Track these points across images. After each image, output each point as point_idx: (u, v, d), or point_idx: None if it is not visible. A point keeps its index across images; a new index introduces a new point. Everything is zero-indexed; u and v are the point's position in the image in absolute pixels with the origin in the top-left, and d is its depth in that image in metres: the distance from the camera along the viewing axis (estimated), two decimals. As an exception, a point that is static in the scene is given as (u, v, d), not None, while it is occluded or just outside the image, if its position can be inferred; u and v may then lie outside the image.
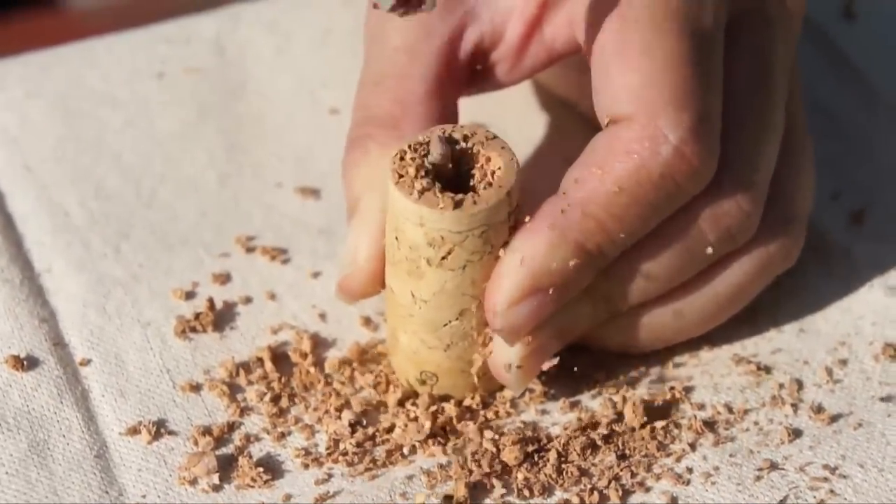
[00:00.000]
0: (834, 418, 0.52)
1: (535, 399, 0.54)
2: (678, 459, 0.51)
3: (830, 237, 0.58)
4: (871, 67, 0.64)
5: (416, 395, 0.53)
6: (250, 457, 0.52)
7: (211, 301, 0.56)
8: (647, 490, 0.51)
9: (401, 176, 0.49)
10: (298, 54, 0.65)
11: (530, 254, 0.49)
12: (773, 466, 0.51)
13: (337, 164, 0.61)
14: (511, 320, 0.50)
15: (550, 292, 0.50)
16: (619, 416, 0.52)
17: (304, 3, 0.68)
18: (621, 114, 0.50)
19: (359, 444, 0.52)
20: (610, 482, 0.51)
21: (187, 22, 0.66)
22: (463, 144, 0.50)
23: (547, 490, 0.51)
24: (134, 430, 0.52)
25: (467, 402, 0.53)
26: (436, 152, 0.49)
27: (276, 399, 0.53)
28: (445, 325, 0.51)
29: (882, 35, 0.65)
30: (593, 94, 0.51)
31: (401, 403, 0.53)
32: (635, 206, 0.50)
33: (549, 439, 0.52)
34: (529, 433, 0.52)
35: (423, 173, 0.49)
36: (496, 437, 0.52)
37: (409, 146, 0.50)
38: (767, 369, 0.54)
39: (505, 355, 0.51)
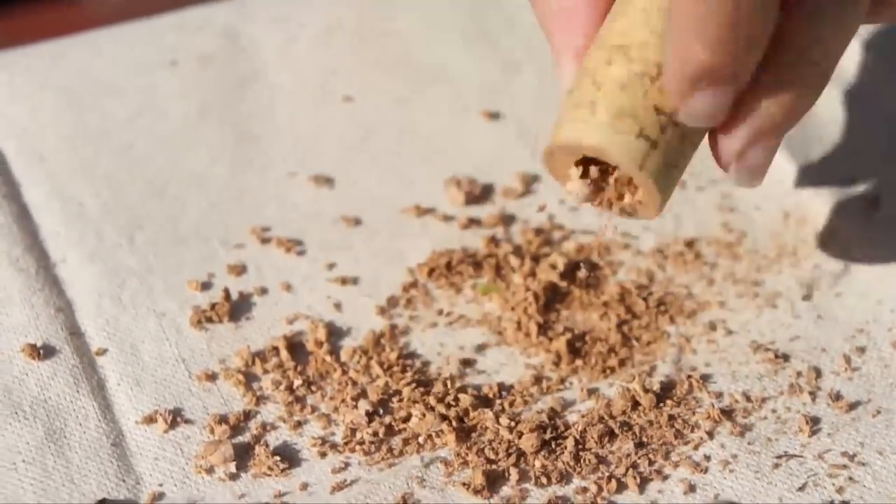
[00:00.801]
0: (852, 406, 0.52)
1: (553, 387, 0.53)
2: (696, 447, 0.51)
3: (846, 223, 0.58)
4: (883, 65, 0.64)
5: (431, 383, 0.53)
6: (267, 445, 0.51)
7: (227, 291, 0.55)
8: (665, 478, 0.50)
9: None
10: (310, 43, 0.65)
11: None
12: (792, 454, 0.51)
13: (350, 152, 0.61)
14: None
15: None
16: (637, 404, 0.52)
17: (315, -7, 0.68)
18: None
19: (375, 434, 0.52)
20: (627, 470, 0.50)
21: (199, 11, 0.66)
22: None
23: (564, 478, 0.50)
24: (150, 419, 0.52)
25: (485, 390, 0.53)
26: None
27: (291, 388, 0.53)
28: None
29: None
30: None
31: (417, 392, 0.53)
32: None
33: (567, 427, 0.52)
34: (546, 421, 0.52)
35: None
36: (513, 424, 0.52)
37: None
38: (785, 357, 0.54)
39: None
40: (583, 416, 0.52)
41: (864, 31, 0.65)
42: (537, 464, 0.51)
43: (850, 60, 0.64)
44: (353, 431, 0.52)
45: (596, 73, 0.47)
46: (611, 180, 0.48)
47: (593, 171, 0.48)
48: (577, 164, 0.48)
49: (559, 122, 0.47)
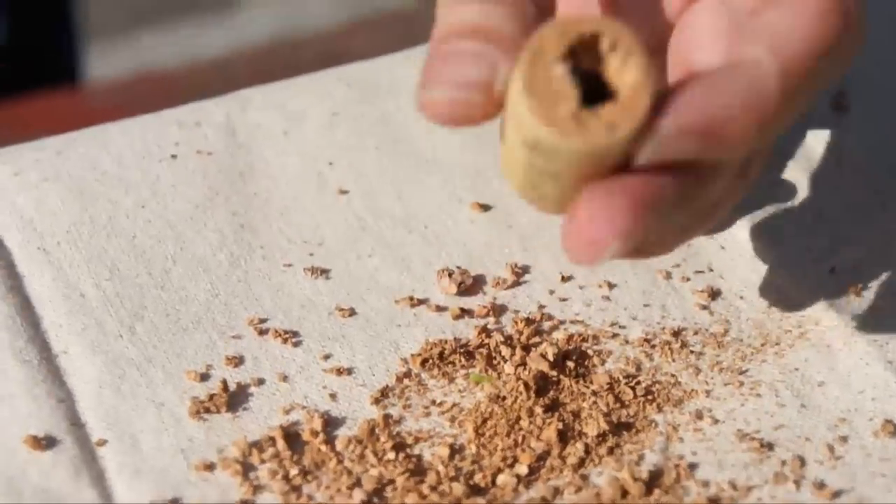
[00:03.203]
0: (836, 494, 0.54)
1: (543, 476, 0.55)
2: (683, 535, 0.52)
3: (828, 312, 0.60)
4: (862, 155, 0.65)
5: (425, 472, 0.54)
6: (263, 535, 0.53)
7: (224, 383, 0.57)
8: (654, 565, 0.52)
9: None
10: (306, 136, 0.67)
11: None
12: (777, 541, 0.52)
13: (345, 244, 0.63)
14: None
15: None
16: (626, 493, 0.54)
17: (311, 86, 0.69)
18: None
19: (370, 522, 0.53)
20: (617, 558, 0.52)
21: (198, 106, 0.67)
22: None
23: (555, 566, 0.52)
24: (149, 509, 0.53)
25: (477, 478, 0.54)
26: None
27: (287, 477, 0.54)
28: None
29: (872, 125, 0.67)
30: None
31: (411, 481, 0.54)
32: (820, 81, 0.50)
33: (557, 516, 0.53)
34: (537, 510, 0.53)
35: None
36: (504, 513, 0.53)
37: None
38: (770, 446, 0.55)
39: None
40: (572, 505, 0.53)
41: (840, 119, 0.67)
42: (528, 552, 0.52)
43: (828, 150, 0.66)
44: (348, 520, 0.53)
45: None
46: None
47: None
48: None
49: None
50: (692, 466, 0.55)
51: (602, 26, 0.48)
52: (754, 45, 0.49)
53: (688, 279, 0.61)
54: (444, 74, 0.50)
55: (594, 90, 0.48)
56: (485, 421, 0.56)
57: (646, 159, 0.49)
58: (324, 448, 0.55)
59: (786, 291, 0.61)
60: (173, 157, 0.65)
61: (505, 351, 0.59)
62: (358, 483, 0.54)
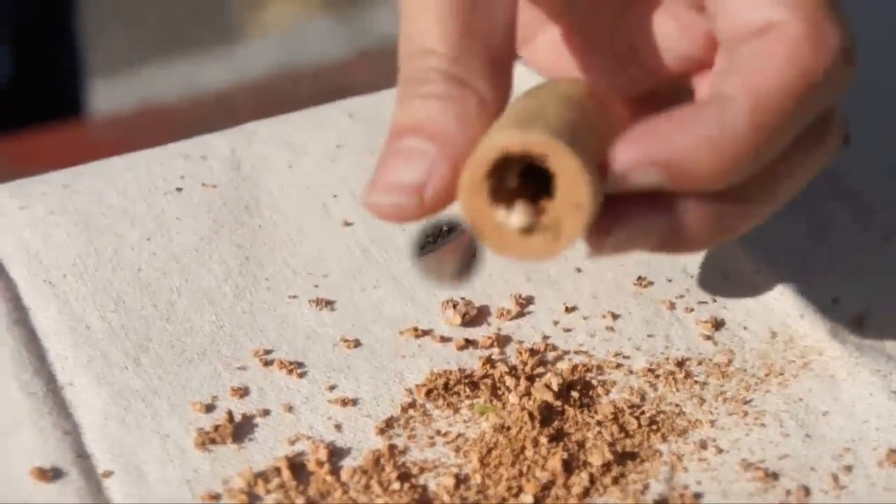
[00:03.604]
0: (840, 523, 0.54)
1: (548, 506, 0.55)
2: (689, 565, 0.53)
3: (832, 342, 0.60)
4: (864, 187, 0.66)
5: (430, 503, 0.55)
6: (269, 566, 0.53)
7: (230, 413, 0.57)
8: None
9: None
10: (310, 169, 0.67)
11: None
12: (782, 571, 0.52)
13: (350, 275, 0.63)
14: None
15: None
16: (630, 523, 0.54)
17: (315, 119, 0.70)
18: (770, 21, 0.50)
19: (375, 553, 0.53)
20: (622, 588, 0.52)
21: (203, 139, 0.68)
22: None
23: None
24: (155, 541, 0.53)
25: (481, 509, 0.55)
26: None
27: (293, 508, 0.55)
28: None
29: (875, 158, 0.67)
30: (714, 19, 0.51)
31: (416, 511, 0.54)
32: (801, 114, 0.50)
33: (562, 546, 0.53)
34: (542, 540, 0.53)
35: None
36: (510, 544, 0.53)
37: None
38: (775, 475, 0.55)
39: None
40: (578, 535, 0.53)
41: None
42: (534, 582, 0.52)
43: (829, 177, 0.66)
44: (354, 551, 0.53)
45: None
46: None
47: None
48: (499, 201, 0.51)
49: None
50: (697, 496, 0.55)
51: (506, 146, 0.50)
52: (731, 79, 0.50)
53: (691, 310, 0.62)
54: (382, 176, 0.52)
55: (537, 172, 0.50)
56: (490, 451, 0.56)
57: (610, 190, 0.50)
58: (329, 478, 0.55)
59: (789, 322, 0.61)
60: (178, 189, 0.66)
61: (509, 381, 0.59)
62: (363, 514, 0.54)
